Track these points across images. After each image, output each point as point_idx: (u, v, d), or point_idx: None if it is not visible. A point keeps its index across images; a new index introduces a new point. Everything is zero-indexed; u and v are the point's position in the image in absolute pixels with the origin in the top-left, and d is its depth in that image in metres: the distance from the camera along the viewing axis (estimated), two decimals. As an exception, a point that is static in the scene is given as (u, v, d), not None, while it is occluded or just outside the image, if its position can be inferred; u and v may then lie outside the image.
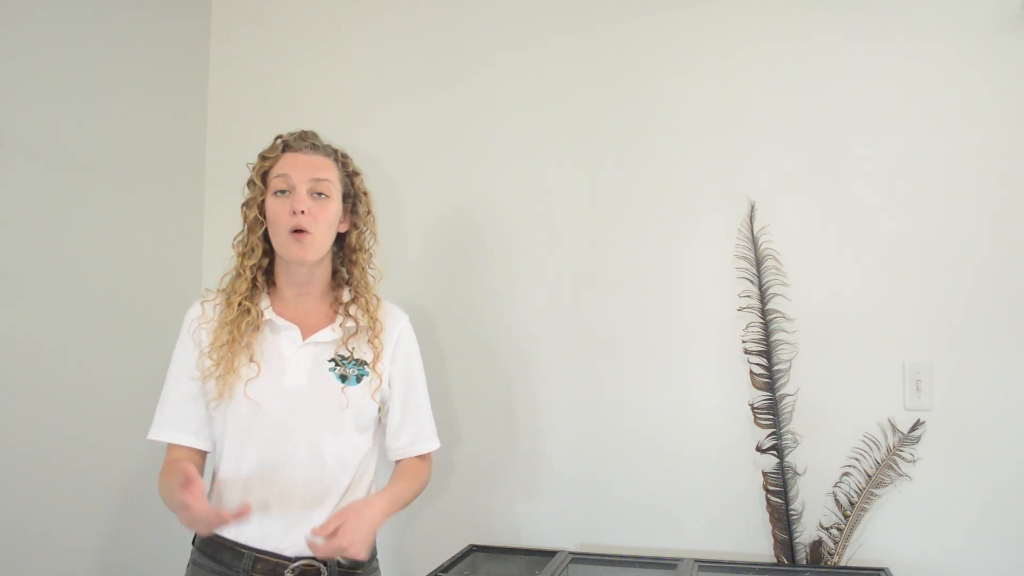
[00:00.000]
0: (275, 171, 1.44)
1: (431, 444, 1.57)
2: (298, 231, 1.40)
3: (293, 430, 1.39)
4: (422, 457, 1.56)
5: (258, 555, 1.36)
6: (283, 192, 1.43)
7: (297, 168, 1.43)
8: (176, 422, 1.43)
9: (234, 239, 1.48)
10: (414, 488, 1.52)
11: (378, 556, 1.52)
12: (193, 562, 1.43)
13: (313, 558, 1.37)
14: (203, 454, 1.45)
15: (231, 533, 1.38)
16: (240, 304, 1.41)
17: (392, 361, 1.51)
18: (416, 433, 1.54)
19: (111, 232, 2.02)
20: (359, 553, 1.30)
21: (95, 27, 2.00)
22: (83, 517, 1.92)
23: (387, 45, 2.26)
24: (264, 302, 1.45)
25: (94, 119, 1.98)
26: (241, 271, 1.44)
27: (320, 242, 1.43)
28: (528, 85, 2.14)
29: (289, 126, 1.51)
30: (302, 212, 1.39)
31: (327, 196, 1.44)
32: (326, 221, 1.44)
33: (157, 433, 1.43)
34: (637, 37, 2.08)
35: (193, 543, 1.45)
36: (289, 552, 1.37)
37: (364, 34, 2.28)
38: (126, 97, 2.08)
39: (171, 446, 1.44)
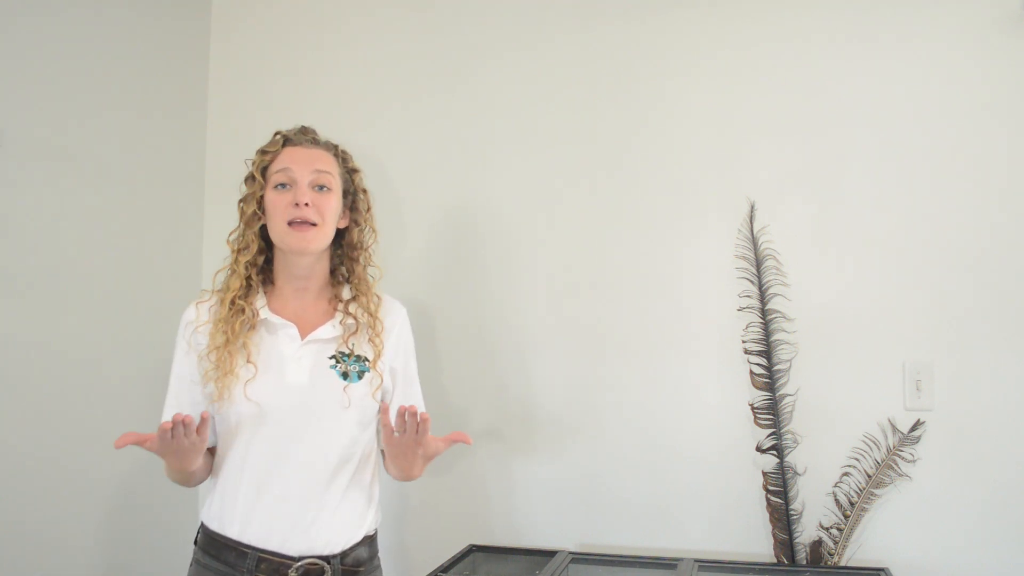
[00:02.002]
0: (276, 166, 1.44)
1: None
2: (300, 223, 1.40)
3: (296, 429, 1.39)
4: None
5: (262, 555, 1.36)
6: (284, 186, 1.43)
7: (298, 162, 1.43)
8: None
9: (229, 236, 1.48)
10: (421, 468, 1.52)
11: (379, 555, 1.52)
12: (196, 562, 1.43)
13: (317, 557, 1.37)
14: (210, 451, 1.46)
15: (235, 533, 1.38)
16: (234, 303, 1.41)
17: (393, 356, 1.51)
18: None
19: (111, 232, 2.02)
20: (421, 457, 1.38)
21: (95, 27, 2.00)
22: (83, 517, 1.92)
23: (387, 45, 2.26)
24: (259, 301, 1.45)
25: (94, 119, 1.98)
26: (235, 267, 1.44)
27: (324, 233, 1.44)
28: (528, 85, 2.14)
29: (289, 126, 1.51)
30: (306, 204, 1.40)
31: (329, 189, 1.45)
32: (330, 213, 1.44)
33: None
34: (637, 37, 2.08)
35: (195, 543, 1.45)
36: (293, 552, 1.37)
37: (364, 34, 2.28)
38: (126, 97, 2.08)
39: None
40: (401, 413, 1.30)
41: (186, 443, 1.27)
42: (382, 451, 1.52)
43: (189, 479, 1.43)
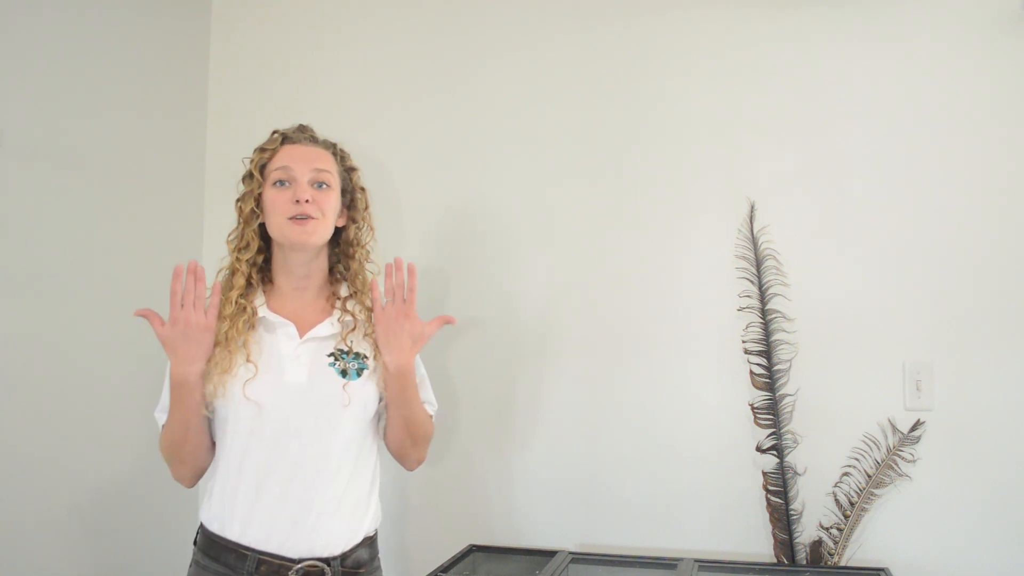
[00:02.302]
0: (274, 163, 1.44)
1: (430, 407, 1.57)
2: (300, 218, 1.40)
3: (296, 428, 1.39)
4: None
5: (262, 557, 1.36)
6: (283, 183, 1.43)
7: (297, 160, 1.43)
8: None
9: (228, 235, 1.48)
10: (425, 416, 1.52)
11: (379, 555, 1.52)
12: (195, 563, 1.42)
13: (317, 559, 1.37)
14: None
15: (234, 534, 1.37)
16: (236, 302, 1.41)
17: None
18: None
19: (111, 232, 2.02)
20: (404, 346, 1.43)
21: (95, 27, 2.00)
22: (83, 517, 1.92)
23: (387, 45, 2.26)
24: (259, 299, 1.45)
25: (94, 119, 1.98)
26: (237, 266, 1.44)
27: (325, 226, 1.44)
28: (528, 85, 2.14)
29: (288, 126, 1.52)
30: (306, 201, 1.40)
31: (328, 186, 1.45)
32: (330, 209, 1.45)
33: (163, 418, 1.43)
34: (637, 38, 2.08)
35: (195, 544, 1.45)
36: (293, 553, 1.37)
37: (364, 34, 2.28)
38: (126, 97, 2.08)
39: None
40: (389, 269, 1.35)
41: (194, 319, 1.33)
42: (383, 444, 1.53)
43: (186, 437, 1.38)
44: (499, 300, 2.12)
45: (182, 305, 1.33)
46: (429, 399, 1.57)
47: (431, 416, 1.55)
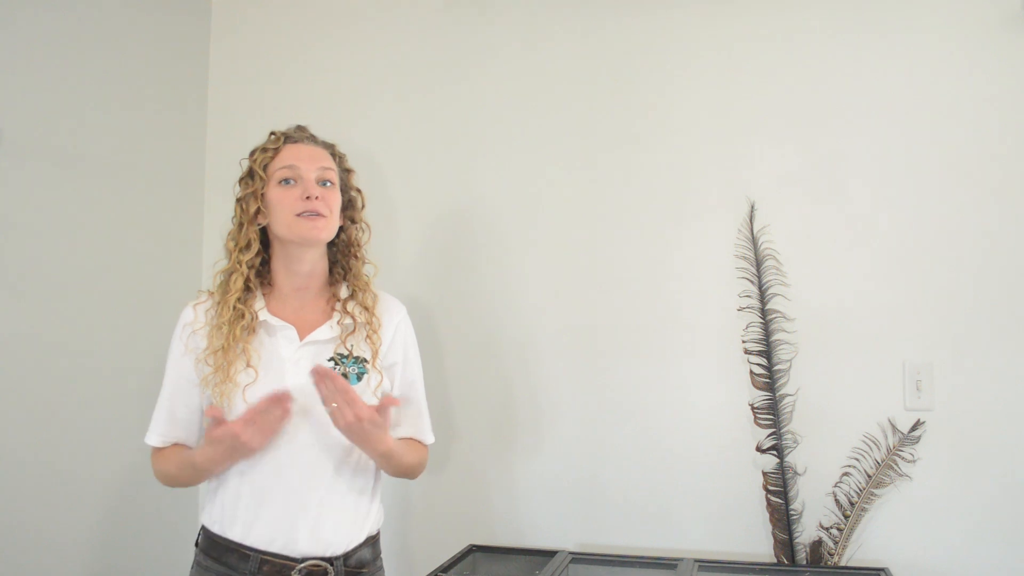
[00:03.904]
0: (278, 162, 1.44)
1: (427, 438, 1.57)
2: (309, 215, 1.40)
3: (297, 431, 1.39)
4: (420, 443, 1.57)
5: (264, 557, 1.36)
6: (289, 182, 1.43)
7: (303, 159, 1.44)
8: (172, 429, 1.44)
9: (227, 236, 1.46)
10: (411, 459, 1.50)
11: (381, 555, 1.52)
12: (197, 564, 1.43)
13: (320, 558, 1.37)
14: None
15: (237, 535, 1.38)
16: (235, 306, 1.40)
17: (391, 354, 1.51)
18: (413, 425, 1.54)
19: (111, 232, 2.02)
20: (361, 431, 1.33)
21: (95, 26, 2.00)
22: (82, 517, 1.92)
23: (386, 44, 2.26)
24: (258, 303, 1.44)
25: (94, 118, 1.98)
26: (237, 267, 1.42)
27: (332, 224, 1.44)
28: (527, 84, 2.14)
29: (287, 126, 1.52)
30: (316, 198, 1.40)
31: (332, 184, 1.46)
32: (336, 206, 1.46)
33: (153, 439, 1.45)
34: (637, 36, 2.08)
35: (197, 545, 1.45)
36: (295, 553, 1.37)
37: (363, 33, 2.28)
38: (126, 97, 2.08)
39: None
40: (319, 376, 1.29)
41: (252, 443, 1.31)
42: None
43: (189, 483, 1.45)
44: (498, 300, 2.12)
45: (252, 421, 1.29)
46: (425, 428, 1.56)
47: (418, 457, 1.54)
